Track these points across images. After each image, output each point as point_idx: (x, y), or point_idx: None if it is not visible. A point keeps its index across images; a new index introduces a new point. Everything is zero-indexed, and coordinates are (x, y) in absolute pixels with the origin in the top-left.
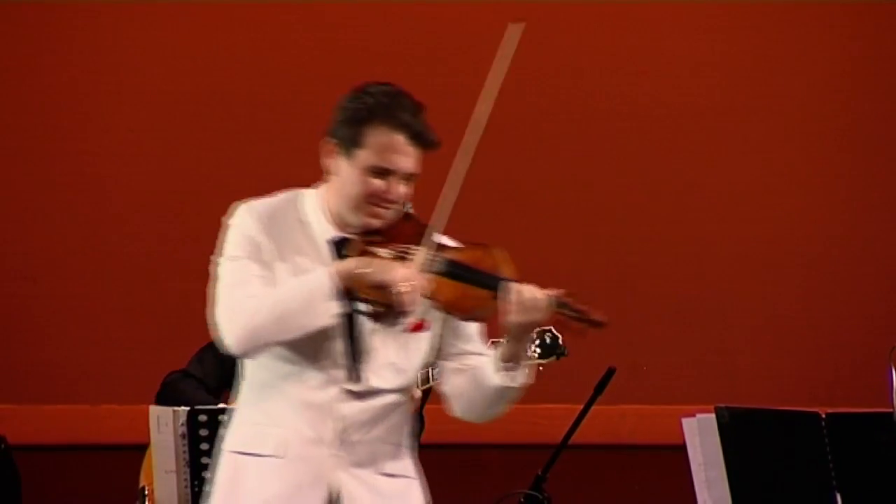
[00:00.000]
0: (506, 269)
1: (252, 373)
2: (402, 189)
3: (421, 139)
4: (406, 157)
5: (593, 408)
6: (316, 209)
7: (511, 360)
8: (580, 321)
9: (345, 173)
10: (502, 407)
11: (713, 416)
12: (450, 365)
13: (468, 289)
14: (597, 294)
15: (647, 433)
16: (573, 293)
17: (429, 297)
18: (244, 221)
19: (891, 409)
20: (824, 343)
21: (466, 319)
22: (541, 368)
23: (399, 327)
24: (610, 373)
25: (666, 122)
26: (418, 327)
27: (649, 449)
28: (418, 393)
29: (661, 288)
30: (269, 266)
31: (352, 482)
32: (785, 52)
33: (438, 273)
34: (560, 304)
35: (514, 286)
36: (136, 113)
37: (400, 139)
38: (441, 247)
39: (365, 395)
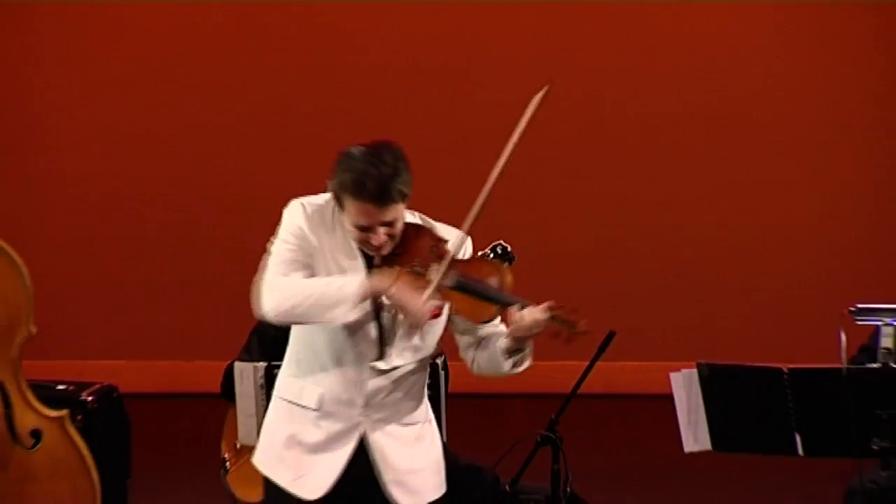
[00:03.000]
0: (506, 278)
1: (301, 344)
2: (383, 236)
3: (385, 201)
4: (376, 216)
5: (597, 364)
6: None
7: (514, 352)
8: (571, 331)
9: (344, 216)
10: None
11: (695, 370)
12: (464, 339)
13: (478, 303)
14: (602, 270)
15: (641, 385)
16: (563, 305)
17: (445, 306)
18: (296, 213)
19: (840, 366)
20: (788, 310)
21: (476, 324)
22: None
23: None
24: (611, 335)
25: (654, 129)
26: (435, 315)
27: (643, 398)
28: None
29: (656, 266)
30: (311, 256)
31: (377, 433)
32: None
33: (452, 288)
34: (554, 319)
35: (518, 310)
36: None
37: (368, 207)
38: (454, 262)
39: (389, 371)
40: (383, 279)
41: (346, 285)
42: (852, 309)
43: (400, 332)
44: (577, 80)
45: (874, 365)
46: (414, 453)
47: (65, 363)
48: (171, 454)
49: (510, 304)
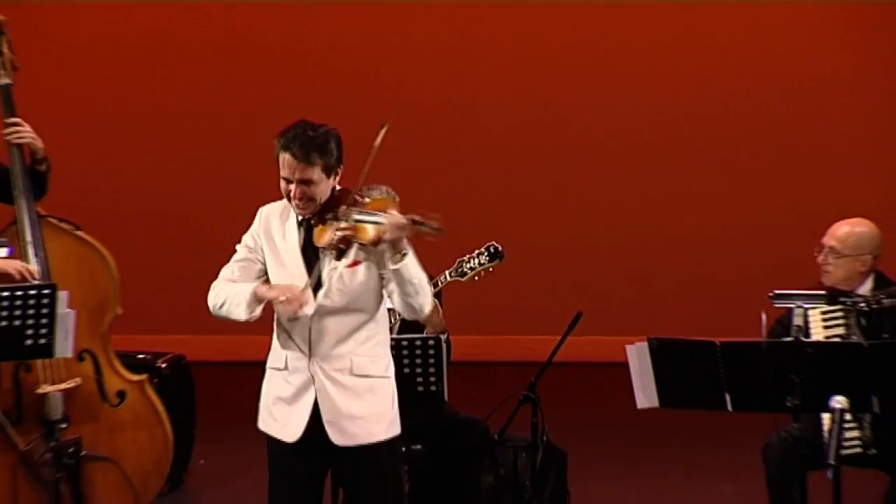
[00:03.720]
0: (390, 208)
1: (274, 319)
2: (297, 190)
3: (300, 159)
4: (293, 169)
5: (568, 338)
6: None
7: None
8: (430, 231)
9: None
10: (415, 296)
11: (646, 343)
12: (389, 287)
13: (365, 226)
14: (573, 262)
15: (603, 355)
16: (425, 213)
17: (349, 236)
18: (256, 220)
19: (761, 339)
20: (721, 294)
21: (371, 244)
22: (490, 270)
23: (343, 264)
24: (578, 315)
25: (615, 143)
26: (356, 264)
27: (604, 365)
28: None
29: (616, 258)
30: (261, 252)
31: (327, 382)
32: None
33: (354, 220)
34: (416, 223)
35: (386, 217)
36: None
37: (288, 159)
38: (355, 202)
39: (325, 316)
40: (267, 289)
41: (245, 292)
42: (771, 294)
43: (327, 277)
44: (558, 103)
45: (788, 339)
46: (358, 402)
47: (143, 337)
48: (228, 411)
49: (379, 219)
